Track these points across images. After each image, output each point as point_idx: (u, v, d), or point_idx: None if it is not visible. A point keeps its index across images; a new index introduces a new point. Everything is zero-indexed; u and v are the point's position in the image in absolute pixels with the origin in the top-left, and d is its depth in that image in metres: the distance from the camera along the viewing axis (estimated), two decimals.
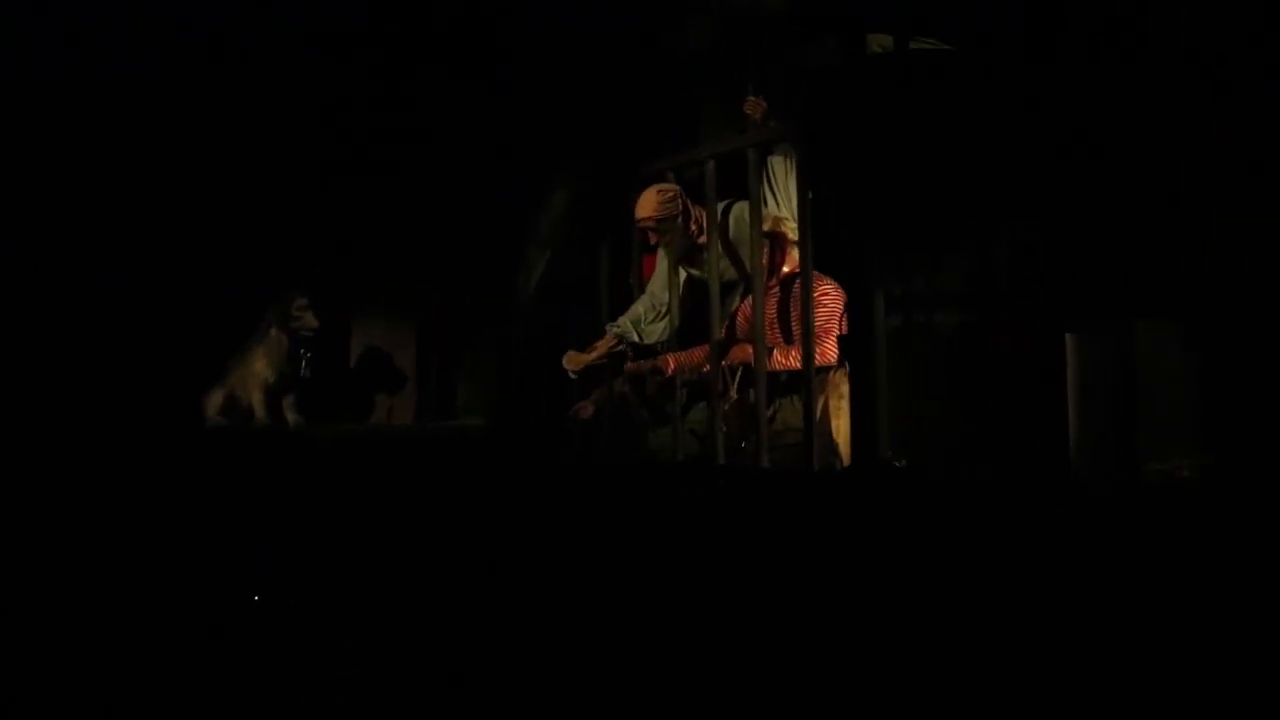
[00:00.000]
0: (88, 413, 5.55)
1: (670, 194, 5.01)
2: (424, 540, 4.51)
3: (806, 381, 4.49)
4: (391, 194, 5.91)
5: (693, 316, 5.24)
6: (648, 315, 5.19)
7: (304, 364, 5.71)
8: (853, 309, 5.01)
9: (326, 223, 5.86)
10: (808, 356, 4.50)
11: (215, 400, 5.74)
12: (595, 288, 5.50)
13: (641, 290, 5.37)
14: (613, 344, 5.20)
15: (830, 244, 4.58)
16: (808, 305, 4.51)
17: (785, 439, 4.86)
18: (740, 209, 5.03)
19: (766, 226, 4.75)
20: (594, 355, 5.22)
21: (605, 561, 4.08)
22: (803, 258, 4.50)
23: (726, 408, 4.92)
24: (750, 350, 4.82)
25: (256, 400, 5.70)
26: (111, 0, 4.86)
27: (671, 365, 5.05)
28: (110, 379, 5.61)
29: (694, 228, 5.07)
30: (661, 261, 5.23)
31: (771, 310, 4.79)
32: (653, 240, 5.06)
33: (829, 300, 4.61)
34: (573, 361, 5.24)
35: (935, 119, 4.29)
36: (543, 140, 5.40)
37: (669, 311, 5.15)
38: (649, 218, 5.00)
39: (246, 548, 4.52)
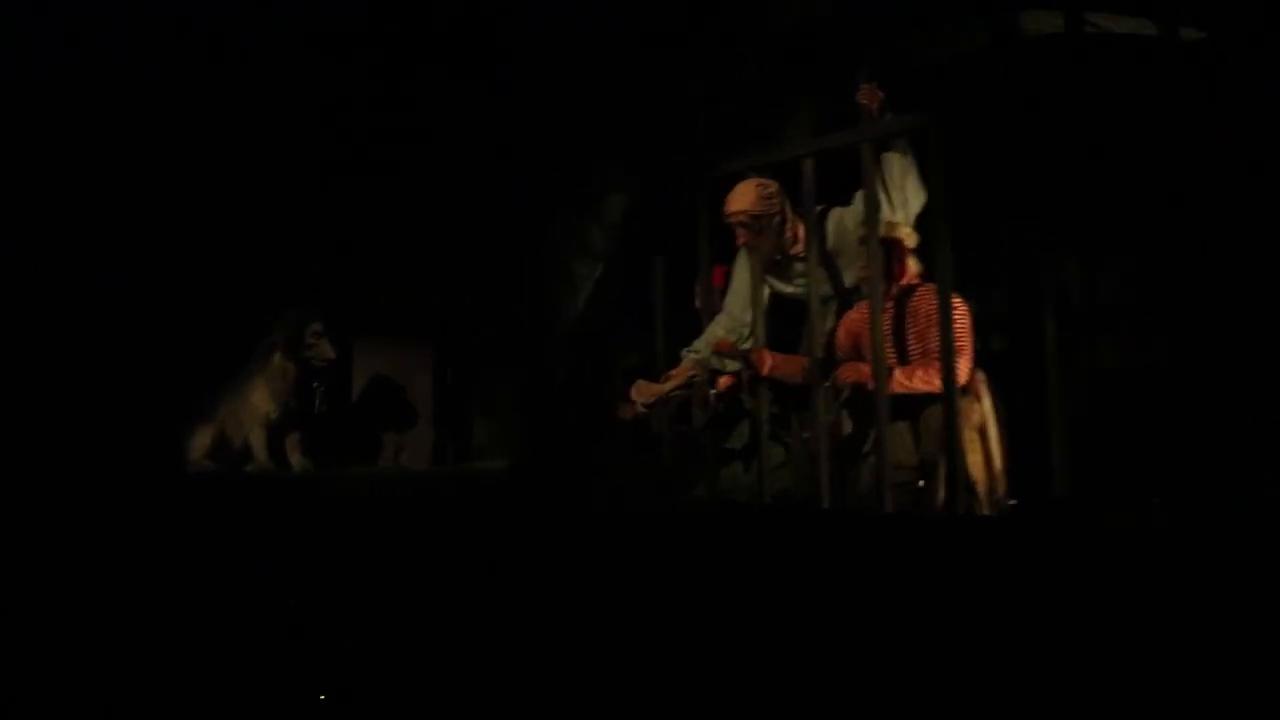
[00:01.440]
0: (40, 455, 4.65)
1: (771, 190, 4.41)
2: (474, 620, 3.77)
3: (948, 406, 3.90)
4: (394, 197, 5.15)
5: (775, 340, 4.61)
6: (728, 338, 4.54)
7: (316, 398, 4.89)
8: (1011, 324, 4.48)
9: (325, 226, 5.07)
10: (948, 378, 3.91)
11: (201, 440, 4.88)
12: (649, 306, 4.83)
13: (708, 308, 4.72)
14: (692, 372, 4.53)
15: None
16: (947, 321, 3.94)
17: (897, 477, 4.25)
18: (840, 215, 4.44)
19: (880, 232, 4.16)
20: (669, 386, 4.57)
21: (690, 643, 3.39)
22: (941, 266, 3.93)
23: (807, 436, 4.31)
24: (861, 370, 4.22)
25: (256, 439, 4.85)
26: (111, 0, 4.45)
27: (768, 363, 4.41)
28: (71, 410, 4.70)
29: (789, 233, 4.44)
30: (741, 276, 4.60)
31: (885, 326, 4.19)
32: (741, 241, 4.43)
33: (958, 316, 4.03)
34: (643, 393, 4.57)
35: (1115, 110, 3.79)
36: (578, 141, 4.72)
37: (752, 333, 4.51)
38: (744, 212, 4.37)
39: (243, 623, 3.75)
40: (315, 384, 4.87)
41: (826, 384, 4.29)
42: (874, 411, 4.12)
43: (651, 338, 4.89)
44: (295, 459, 4.85)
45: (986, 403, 4.21)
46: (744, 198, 4.39)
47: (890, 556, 3.55)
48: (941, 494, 4.12)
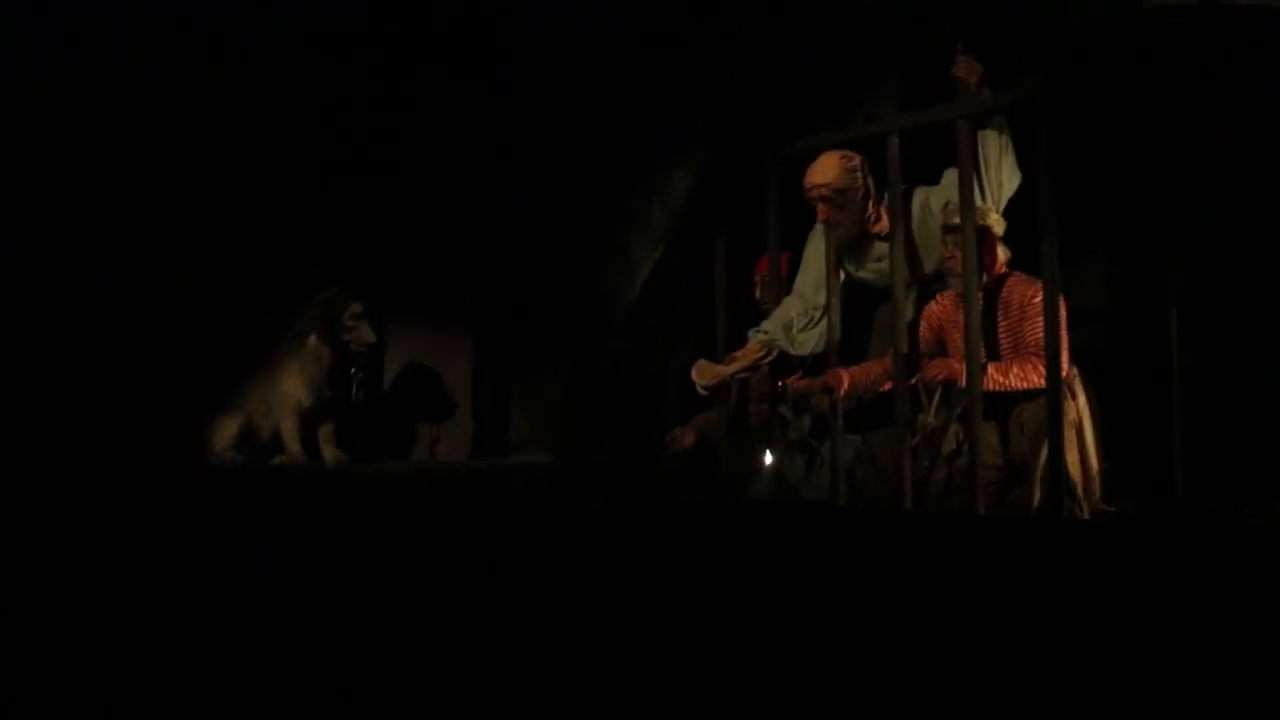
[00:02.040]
0: (52, 445, 4.30)
1: (855, 163, 4.11)
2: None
3: (1054, 404, 3.63)
4: (426, 179, 4.82)
5: (848, 327, 4.32)
6: (799, 321, 4.24)
7: (354, 386, 4.55)
8: (1107, 316, 4.21)
9: (353, 210, 4.73)
10: (1054, 374, 3.64)
11: (226, 430, 4.52)
12: (709, 289, 4.53)
13: (772, 290, 4.42)
14: (760, 354, 4.23)
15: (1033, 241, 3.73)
16: (1054, 314, 3.67)
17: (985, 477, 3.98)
18: (925, 195, 4.15)
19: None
20: (735, 367, 4.26)
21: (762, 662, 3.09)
22: (1047, 256, 3.65)
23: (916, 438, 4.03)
24: (951, 367, 3.94)
25: (287, 429, 4.50)
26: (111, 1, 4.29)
27: (846, 382, 4.12)
28: (86, 399, 4.36)
29: (870, 211, 4.15)
30: (814, 255, 4.30)
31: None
32: (822, 216, 4.14)
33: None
34: (705, 374, 4.26)
35: (1242, 88, 3.51)
36: (634, 113, 4.40)
37: (824, 317, 4.21)
38: (826, 185, 4.08)
39: (263, 625, 3.42)
40: (353, 370, 4.52)
41: (913, 382, 4.00)
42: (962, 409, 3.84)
43: (702, 328, 4.57)
44: (329, 451, 4.51)
45: (1082, 399, 3.96)
46: (827, 170, 4.10)
47: (991, 562, 3.27)
48: (1037, 496, 3.86)
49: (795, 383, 4.22)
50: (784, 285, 4.42)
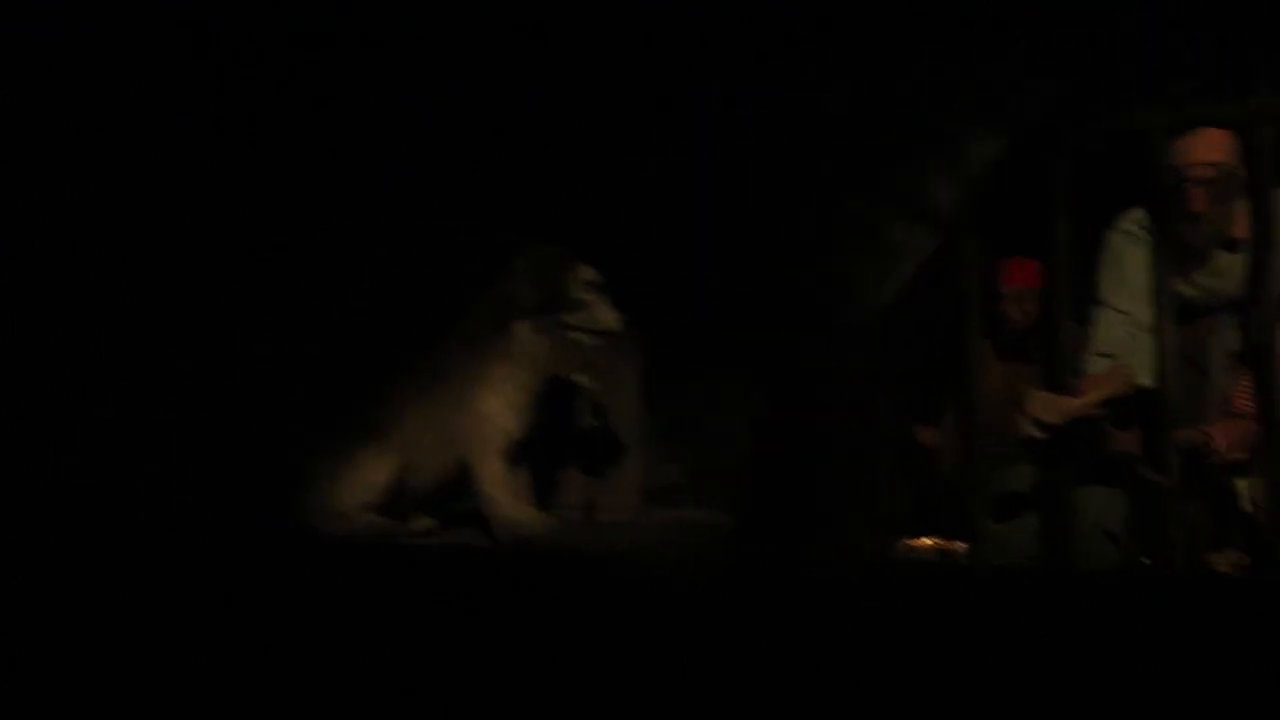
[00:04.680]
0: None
1: (1237, 145, 3.33)
2: None
3: None
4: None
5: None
6: (1129, 344, 3.38)
7: (587, 401, 2.84)
8: None
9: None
10: None
11: (367, 477, 2.65)
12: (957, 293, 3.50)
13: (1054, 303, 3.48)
14: (1117, 385, 3.31)
15: None
16: None
17: None
18: None
19: None
20: (1093, 399, 3.28)
21: None
22: None
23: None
24: None
25: (488, 477, 2.69)
26: None
27: (1224, 443, 3.30)
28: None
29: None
30: (1133, 262, 3.45)
31: None
32: (1197, 205, 3.30)
33: None
34: (1050, 409, 3.30)
35: None
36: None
37: (1155, 336, 3.38)
38: (1222, 164, 3.27)
39: None
40: (583, 376, 2.81)
41: None
42: None
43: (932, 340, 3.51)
44: (524, 511, 2.73)
45: None
46: (1219, 146, 3.29)
47: None
48: None
49: (1184, 434, 3.27)
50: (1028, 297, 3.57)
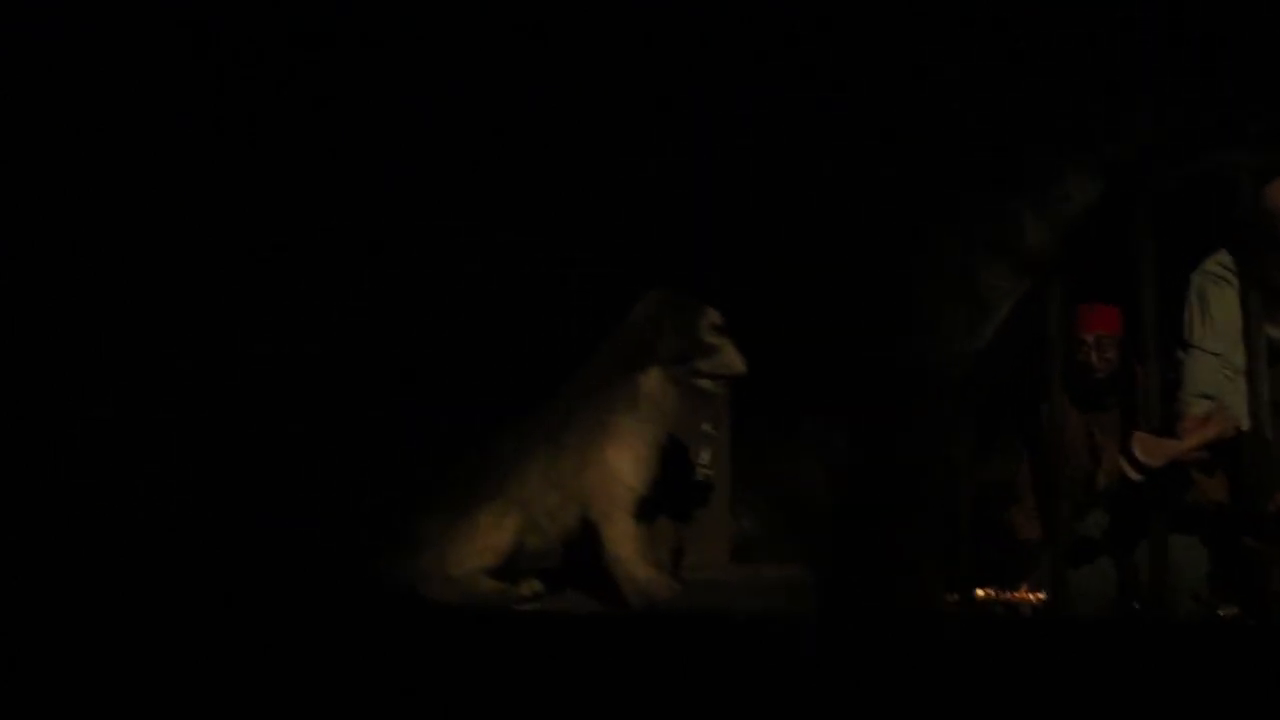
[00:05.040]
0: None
1: None
2: None
3: None
4: None
5: None
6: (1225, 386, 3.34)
7: (708, 454, 2.68)
8: None
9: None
10: None
11: (487, 539, 2.44)
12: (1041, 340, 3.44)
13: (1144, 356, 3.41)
14: (1220, 427, 3.25)
15: None
16: None
17: None
18: None
19: None
20: (1197, 441, 3.22)
21: None
22: None
23: None
24: None
25: (620, 538, 2.49)
26: None
27: None
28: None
29: None
30: (1222, 304, 3.38)
31: None
32: None
33: None
34: (1156, 452, 3.23)
35: None
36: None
37: (1249, 382, 3.35)
38: None
39: None
40: (707, 426, 2.66)
41: None
42: None
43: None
44: (659, 577, 2.57)
45: None
46: None
47: None
48: None
49: None
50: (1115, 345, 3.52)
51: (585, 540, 2.59)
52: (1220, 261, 3.42)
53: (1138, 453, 3.21)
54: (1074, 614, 3.29)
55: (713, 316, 2.67)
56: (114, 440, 3.08)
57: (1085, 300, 3.57)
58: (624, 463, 2.57)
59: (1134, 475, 3.23)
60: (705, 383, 2.67)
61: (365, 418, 2.96)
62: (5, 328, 3.21)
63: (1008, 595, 3.51)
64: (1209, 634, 3.02)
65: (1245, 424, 3.30)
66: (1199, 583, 3.36)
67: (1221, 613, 3.31)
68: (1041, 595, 3.39)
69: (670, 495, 2.90)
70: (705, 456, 2.88)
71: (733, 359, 2.65)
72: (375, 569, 2.55)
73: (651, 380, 2.62)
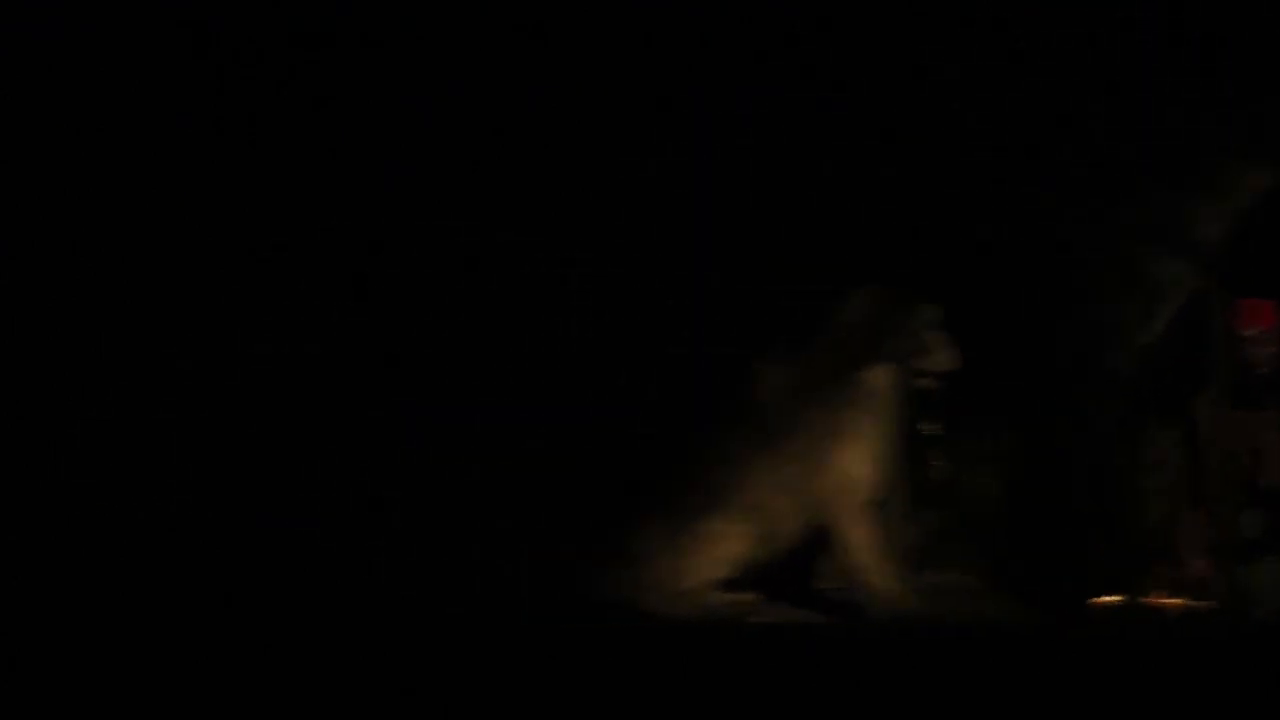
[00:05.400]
0: None
1: None
2: None
3: None
4: None
5: None
6: None
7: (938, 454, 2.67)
8: None
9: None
10: None
11: (717, 550, 2.52)
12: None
13: None
14: None
15: None
16: None
17: None
18: None
19: None
20: None
21: None
22: None
23: None
24: None
25: (859, 545, 2.47)
26: None
27: None
28: None
29: None
30: None
31: None
32: None
33: None
34: None
35: None
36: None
37: None
38: None
39: None
40: (924, 424, 2.63)
41: None
42: None
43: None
44: (900, 585, 2.57)
45: None
46: None
47: None
48: None
49: None
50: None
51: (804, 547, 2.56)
52: None
53: None
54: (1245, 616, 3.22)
55: (928, 312, 2.67)
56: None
57: (1244, 295, 3.52)
58: (858, 465, 2.56)
59: None
60: (924, 380, 2.66)
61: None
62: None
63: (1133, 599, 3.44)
64: None
65: None
66: None
67: None
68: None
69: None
70: (937, 456, 2.85)
71: (949, 355, 2.64)
72: (581, 580, 2.50)
73: (874, 378, 2.61)
